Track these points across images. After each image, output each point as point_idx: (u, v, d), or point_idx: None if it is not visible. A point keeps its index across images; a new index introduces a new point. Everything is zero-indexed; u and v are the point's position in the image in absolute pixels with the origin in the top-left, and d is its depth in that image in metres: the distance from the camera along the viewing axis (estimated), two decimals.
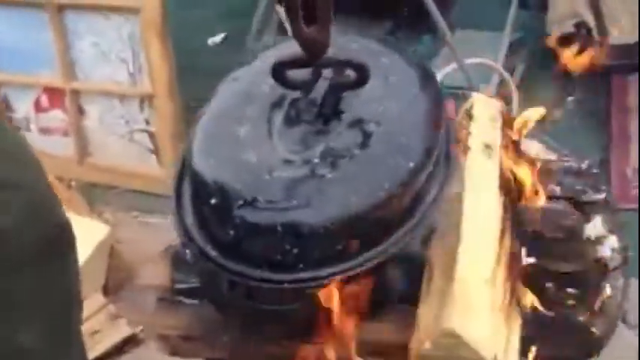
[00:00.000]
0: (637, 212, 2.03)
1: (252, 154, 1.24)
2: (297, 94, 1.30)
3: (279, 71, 1.27)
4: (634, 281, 1.88)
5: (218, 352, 1.39)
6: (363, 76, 1.27)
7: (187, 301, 1.41)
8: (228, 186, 1.25)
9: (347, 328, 1.31)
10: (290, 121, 1.28)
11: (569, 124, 2.27)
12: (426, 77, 1.40)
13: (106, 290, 1.89)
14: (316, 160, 1.24)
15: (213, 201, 1.25)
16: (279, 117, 1.28)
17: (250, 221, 1.21)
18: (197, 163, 1.31)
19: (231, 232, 1.22)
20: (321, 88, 1.29)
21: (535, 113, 1.58)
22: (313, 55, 1.24)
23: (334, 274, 1.21)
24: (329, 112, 1.28)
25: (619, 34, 2.31)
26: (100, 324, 1.78)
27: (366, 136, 1.26)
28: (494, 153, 1.46)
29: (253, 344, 1.35)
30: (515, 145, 1.53)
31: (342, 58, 1.27)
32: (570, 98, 2.33)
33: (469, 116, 1.50)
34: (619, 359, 1.62)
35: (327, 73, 1.30)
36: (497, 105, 1.57)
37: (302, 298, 1.28)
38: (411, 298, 1.32)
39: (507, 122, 1.55)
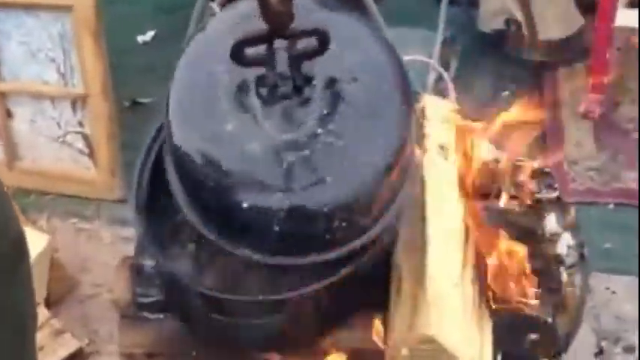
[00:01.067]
0: (577, 206, 2.07)
1: (255, 144, 1.19)
2: (257, 71, 1.24)
3: (238, 52, 1.20)
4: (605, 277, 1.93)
5: None
6: (324, 42, 1.22)
7: (151, 316, 1.37)
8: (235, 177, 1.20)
9: (317, 339, 1.31)
10: (266, 100, 1.23)
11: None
12: (378, 30, 1.41)
13: (49, 303, 1.81)
14: (320, 130, 1.20)
15: (218, 196, 1.21)
16: (253, 99, 1.23)
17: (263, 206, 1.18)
18: (193, 156, 1.23)
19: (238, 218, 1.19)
20: (282, 60, 1.23)
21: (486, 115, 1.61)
22: (279, 28, 1.20)
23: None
24: (301, 82, 1.23)
25: (548, 30, 2.36)
26: (43, 340, 1.71)
27: (349, 92, 1.24)
28: (450, 154, 1.47)
29: (222, 358, 1.33)
30: (467, 145, 1.54)
31: (303, 27, 1.21)
32: (505, 93, 2.36)
33: (423, 118, 1.51)
34: (575, 352, 1.64)
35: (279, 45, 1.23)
36: (448, 106, 1.59)
37: (271, 311, 1.27)
38: (378, 304, 1.32)
39: (458, 122, 1.56)
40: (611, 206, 2.09)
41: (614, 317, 1.86)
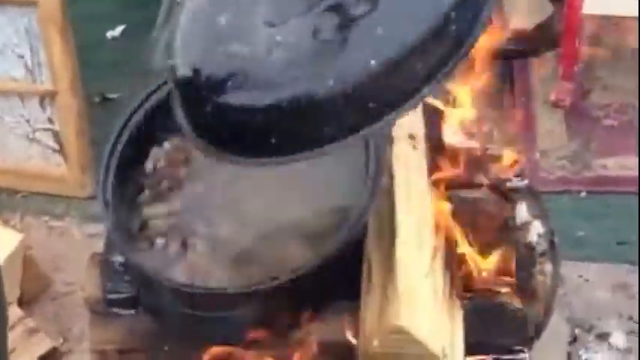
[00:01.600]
0: (549, 195, 2.08)
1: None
2: None
3: None
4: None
5: None
6: None
7: (122, 312, 1.36)
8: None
9: (288, 331, 1.30)
10: None
11: (476, 107, 2.30)
12: None
13: (22, 302, 1.80)
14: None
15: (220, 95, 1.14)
16: None
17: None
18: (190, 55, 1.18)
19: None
20: None
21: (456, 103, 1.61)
22: None
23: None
24: None
25: (519, 19, 2.36)
26: (17, 339, 1.69)
27: None
28: (419, 143, 1.47)
29: (194, 352, 1.32)
30: (438, 134, 1.54)
31: None
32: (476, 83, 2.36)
33: None
34: (550, 341, 1.65)
35: None
36: None
37: (242, 304, 1.26)
38: (350, 295, 1.32)
39: (428, 113, 1.56)
40: (583, 194, 2.10)
41: (586, 305, 1.88)
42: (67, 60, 2.12)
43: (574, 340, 1.80)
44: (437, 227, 1.38)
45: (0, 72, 2.16)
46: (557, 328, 1.67)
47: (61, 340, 1.81)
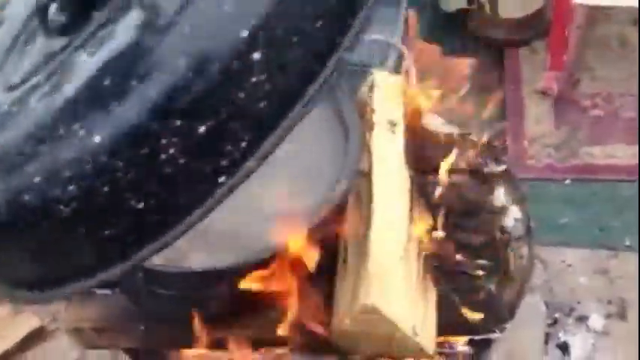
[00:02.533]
0: (535, 182, 2.10)
1: None
2: None
3: None
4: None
5: (134, 342, 1.38)
6: None
7: (99, 291, 1.38)
8: None
9: (262, 309, 1.32)
10: None
11: (466, 96, 2.32)
12: None
13: None
14: None
15: None
16: None
17: None
18: None
19: None
20: None
21: (433, 89, 1.62)
22: None
23: None
24: None
25: (509, 9, 2.38)
26: (2, 317, 1.70)
27: None
28: (398, 129, 1.48)
29: (167, 332, 1.34)
30: (417, 120, 1.56)
31: None
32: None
33: (371, 93, 1.52)
34: (526, 321, 1.67)
35: None
36: (397, 81, 1.59)
37: (214, 284, 1.28)
38: (326, 276, 1.34)
39: (408, 98, 1.58)
40: (568, 182, 2.12)
41: (568, 289, 1.90)
42: None
43: (554, 322, 1.82)
44: (413, 211, 1.41)
45: None
46: (535, 311, 1.70)
47: (49, 319, 1.83)
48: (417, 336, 1.26)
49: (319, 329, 1.30)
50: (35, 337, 1.77)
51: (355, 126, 1.40)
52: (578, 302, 1.87)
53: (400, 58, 2.23)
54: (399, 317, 1.25)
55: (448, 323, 1.35)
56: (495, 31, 2.43)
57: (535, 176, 2.06)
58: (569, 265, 1.94)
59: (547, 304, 1.86)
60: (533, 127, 2.21)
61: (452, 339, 1.35)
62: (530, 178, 2.05)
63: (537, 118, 2.23)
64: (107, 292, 1.39)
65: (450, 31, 2.46)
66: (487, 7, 2.40)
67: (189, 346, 1.33)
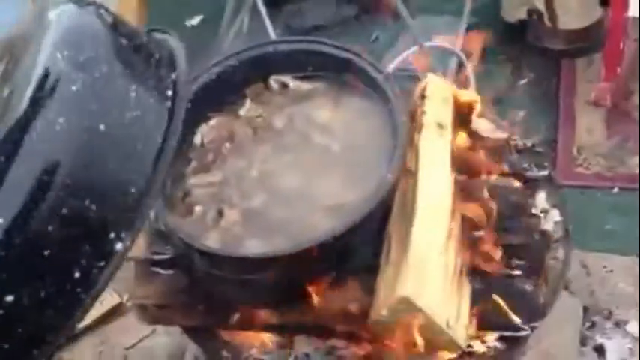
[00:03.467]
0: (582, 189, 2.17)
1: None
2: None
3: None
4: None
5: (193, 320, 1.48)
6: None
7: (163, 271, 1.50)
8: None
9: (311, 296, 1.42)
10: None
11: (520, 104, 2.38)
12: None
13: None
14: None
15: None
16: None
17: None
18: None
19: None
20: None
21: (485, 95, 1.70)
22: None
23: None
24: None
25: (569, 20, 2.43)
26: None
27: None
28: (446, 132, 1.56)
29: (225, 312, 1.45)
30: (467, 124, 1.64)
31: None
32: (522, 80, 2.45)
33: (423, 96, 1.60)
34: (563, 322, 1.73)
35: None
36: (449, 86, 1.67)
37: (266, 269, 1.37)
38: (372, 268, 1.43)
39: (459, 103, 1.65)
40: (616, 190, 2.17)
41: (608, 294, 1.95)
42: None
43: (592, 325, 1.88)
44: (455, 210, 1.49)
45: None
46: (573, 312, 1.76)
47: (126, 297, 1.97)
48: (450, 329, 1.34)
49: (359, 318, 1.38)
50: (115, 312, 1.92)
51: (403, 126, 1.48)
52: (617, 307, 1.93)
53: (460, 64, 2.33)
54: (433, 310, 1.33)
55: (482, 318, 1.43)
56: (553, 41, 2.49)
57: (583, 184, 2.13)
58: (611, 271, 2.00)
59: (586, 307, 1.92)
60: (584, 137, 2.26)
61: (484, 334, 1.43)
62: (578, 185, 2.11)
63: (589, 128, 2.28)
64: (169, 271, 1.51)
65: (510, 41, 2.53)
66: (546, 18, 2.46)
67: (242, 328, 1.44)
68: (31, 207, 0.99)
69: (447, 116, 1.60)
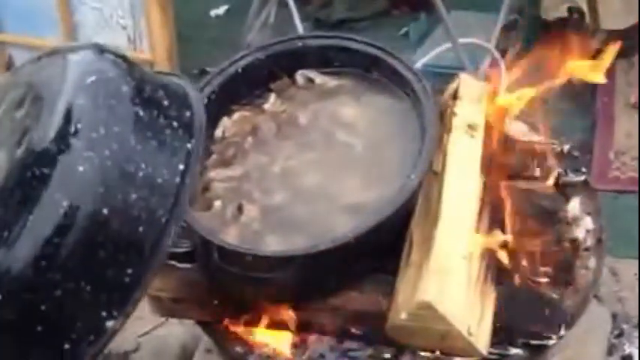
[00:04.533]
0: (617, 194, 2.10)
1: None
2: None
3: None
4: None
5: (207, 315, 1.46)
6: None
7: (179, 265, 1.47)
8: None
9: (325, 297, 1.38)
10: None
11: (556, 105, 2.32)
12: None
13: None
14: None
15: None
16: None
17: None
18: None
19: None
20: None
21: (521, 96, 1.64)
22: None
23: None
24: None
25: (611, 20, 2.36)
26: None
27: None
28: (477, 133, 1.51)
29: (240, 309, 1.42)
30: (500, 126, 1.59)
31: None
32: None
33: (455, 96, 1.56)
34: (590, 330, 1.68)
35: None
36: (482, 86, 1.62)
37: (283, 268, 1.34)
38: (391, 270, 1.39)
39: (493, 103, 1.60)
40: None
41: (638, 302, 1.89)
42: (164, 32, 2.27)
43: (620, 333, 1.83)
44: (482, 213, 1.44)
45: (106, 40, 2.32)
46: (601, 320, 1.71)
47: None
48: (472, 336, 1.30)
49: (376, 321, 1.35)
50: None
51: (432, 127, 1.44)
52: None
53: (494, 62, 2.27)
54: (455, 316, 1.29)
55: (505, 325, 1.38)
56: (594, 41, 2.42)
57: (617, 188, 2.07)
58: None
59: (615, 315, 1.86)
60: (621, 140, 2.20)
61: (508, 341, 1.38)
62: (612, 189, 2.05)
63: (627, 132, 2.22)
64: (187, 265, 1.48)
65: (548, 40, 2.46)
66: (588, 18, 2.40)
67: (256, 325, 1.41)
68: (27, 285, 1.05)
69: (479, 117, 1.55)
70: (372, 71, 1.57)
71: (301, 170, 1.48)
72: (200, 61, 2.55)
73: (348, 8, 2.83)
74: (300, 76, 1.61)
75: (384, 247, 1.39)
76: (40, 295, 1.06)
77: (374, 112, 1.55)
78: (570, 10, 2.42)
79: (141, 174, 1.11)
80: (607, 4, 2.36)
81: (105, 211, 1.06)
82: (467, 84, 1.59)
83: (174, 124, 1.20)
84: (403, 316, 1.30)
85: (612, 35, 2.41)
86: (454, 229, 1.37)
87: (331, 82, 1.60)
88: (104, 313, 1.07)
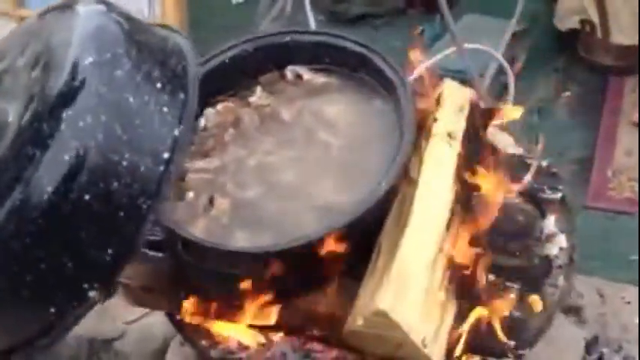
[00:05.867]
0: (612, 214, 2.08)
1: None
2: None
3: None
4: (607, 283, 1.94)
5: (174, 307, 1.45)
6: None
7: (150, 252, 1.48)
8: None
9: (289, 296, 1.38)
10: None
11: (560, 118, 2.30)
12: None
13: None
14: None
15: None
16: None
17: None
18: None
19: None
20: None
21: (510, 110, 1.63)
22: None
23: None
24: None
25: (621, 34, 2.33)
26: None
27: None
28: (455, 142, 1.50)
29: (206, 303, 1.42)
30: (481, 136, 1.57)
31: None
32: (566, 93, 2.35)
33: (437, 102, 1.55)
34: (563, 352, 1.67)
35: None
36: (467, 94, 1.61)
37: (246, 264, 1.35)
38: (359, 275, 1.39)
39: (479, 112, 1.59)
40: None
41: (621, 326, 1.87)
42: (177, 15, 2.28)
43: (600, 357, 1.80)
44: (451, 223, 1.43)
45: None
46: (574, 342, 1.69)
47: None
48: (426, 348, 1.29)
49: (336, 325, 1.35)
50: None
51: (409, 133, 1.43)
52: (628, 342, 1.84)
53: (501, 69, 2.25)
54: (410, 326, 1.28)
55: (466, 340, 1.37)
56: (603, 56, 2.39)
57: (612, 207, 2.04)
58: (628, 303, 1.91)
59: (597, 338, 1.84)
60: (621, 158, 2.17)
61: (467, 356, 1.38)
62: (606, 208, 2.03)
63: (628, 150, 2.19)
64: (158, 254, 1.48)
65: (558, 49, 2.44)
66: (599, 31, 2.37)
67: (221, 320, 1.42)
68: (12, 259, 1.13)
69: (459, 126, 1.54)
70: (360, 71, 1.57)
71: (278, 167, 1.49)
72: (212, 48, 2.55)
73: (364, 4, 2.82)
74: (289, 71, 1.61)
75: (352, 251, 1.38)
76: (25, 267, 1.13)
77: (357, 113, 1.55)
78: (582, 22, 2.40)
79: (125, 163, 1.15)
80: (618, 17, 2.32)
81: (87, 197, 1.12)
82: (451, 90, 1.58)
83: (165, 109, 1.22)
84: (359, 322, 1.30)
85: (623, 50, 2.38)
86: (421, 238, 1.36)
87: (319, 79, 1.60)
88: (86, 285, 1.16)
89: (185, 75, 1.28)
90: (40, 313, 1.17)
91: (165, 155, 1.19)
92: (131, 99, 1.18)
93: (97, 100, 1.15)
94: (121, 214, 1.15)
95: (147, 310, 1.90)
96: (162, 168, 1.18)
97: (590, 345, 1.82)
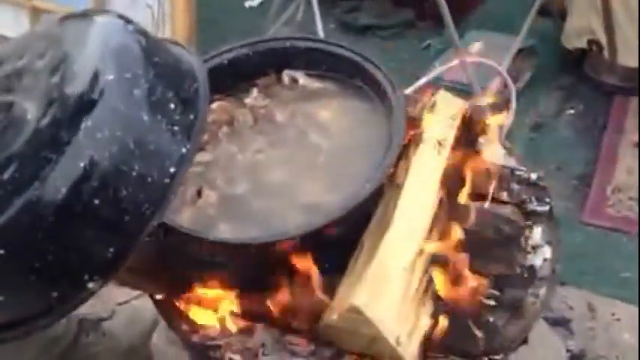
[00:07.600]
0: (608, 231, 2.09)
1: None
2: None
3: None
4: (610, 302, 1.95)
5: (157, 290, 1.49)
6: None
7: None
8: None
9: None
10: None
11: (562, 134, 2.31)
12: None
13: None
14: None
15: None
16: None
17: None
18: None
19: None
20: None
21: (498, 120, 1.65)
22: None
23: None
24: None
25: (628, 56, 2.34)
26: None
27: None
28: (444, 150, 1.52)
29: (187, 289, 1.45)
30: (472, 146, 1.59)
31: None
32: (570, 111, 2.37)
33: (430, 111, 1.57)
34: None
35: None
36: (461, 104, 1.63)
37: (226, 254, 1.39)
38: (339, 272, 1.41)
39: (471, 123, 1.61)
40: None
41: (609, 342, 1.88)
42: (186, 15, 2.32)
43: None
44: (433, 229, 1.45)
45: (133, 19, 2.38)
46: (555, 354, 1.70)
47: None
48: (399, 346, 1.31)
49: (314, 319, 1.37)
50: None
51: (397, 138, 1.46)
52: (617, 357, 1.85)
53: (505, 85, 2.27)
54: (383, 323, 1.30)
55: (441, 342, 1.39)
56: (610, 76, 2.40)
57: (609, 225, 2.05)
58: (618, 320, 1.92)
59: (585, 352, 1.85)
60: (621, 177, 2.17)
61: (440, 357, 1.39)
62: (603, 226, 2.04)
63: (629, 169, 2.19)
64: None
65: (564, 68, 2.45)
66: (606, 52, 2.38)
67: (201, 306, 1.44)
68: (23, 247, 1.20)
69: (449, 134, 1.56)
70: (354, 78, 1.60)
71: (268, 165, 1.52)
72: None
73: (374, 15, 2.84)
74: (285, 75, 1.65)
75: (334, 248, 1.41)
76: (35, 255, 1.20)
77: (350, 118, 1.58)
78: (590, 42, 2.41)
79: (134, 174, 1.21)
80: (625, 39, 2.33)
81: (96, 201, 1.19)
82: (445, 100, 1.61)
83: (175, 128, 1.28)
84: (334, 317, 1.32)
85: (629, 72, 2.39)
86: (401, 240, 1.39)
87: (315, 84, 1.63)
88: (86, 277, 1.23)
89: (197, 97, 1.34)
90: (43, 295, 1.24)
91: (172, 170, 1.25)
92: (145, 117, 1.24)
93: (114, 115, 1.21)
94: (126, 218, 1.22)
95: (138, 292, 1.94)
96: (167, 180, 1.25)
97: (577, 358, 1.83)
